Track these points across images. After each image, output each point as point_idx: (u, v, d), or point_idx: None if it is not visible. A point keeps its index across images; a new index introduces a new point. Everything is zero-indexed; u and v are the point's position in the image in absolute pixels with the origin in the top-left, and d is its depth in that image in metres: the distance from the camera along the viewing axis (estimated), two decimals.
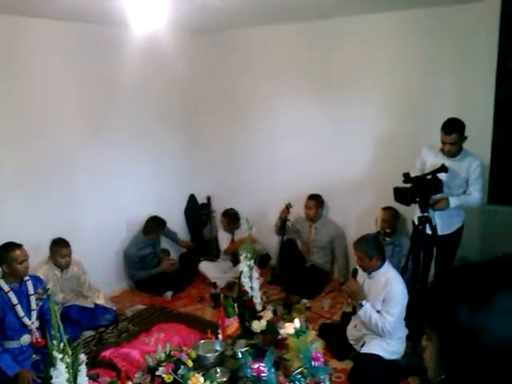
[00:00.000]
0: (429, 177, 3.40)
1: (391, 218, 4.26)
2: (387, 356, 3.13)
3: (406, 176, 3.39)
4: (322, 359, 2.86)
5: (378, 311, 3.16)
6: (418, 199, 3.40)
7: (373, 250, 3.19)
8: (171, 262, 5.07)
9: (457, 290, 0.92)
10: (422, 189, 3.36)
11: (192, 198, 5.77)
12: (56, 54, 4.21)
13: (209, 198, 5.86)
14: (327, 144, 4.81)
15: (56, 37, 4.19)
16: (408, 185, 3.40)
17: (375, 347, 3.14)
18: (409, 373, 3.15)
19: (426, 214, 3.45)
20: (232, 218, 5.19)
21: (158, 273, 4.92)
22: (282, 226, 4.73)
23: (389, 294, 3.14)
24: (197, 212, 5.78)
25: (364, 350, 3.19)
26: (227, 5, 3.63)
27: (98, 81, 4.55)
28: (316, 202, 4.78)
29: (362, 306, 3.17)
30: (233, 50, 5.30)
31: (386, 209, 4.24)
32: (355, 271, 3.32)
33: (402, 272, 3.55)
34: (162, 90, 5.15)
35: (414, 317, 3.34)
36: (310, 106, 4.85)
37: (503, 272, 0.91)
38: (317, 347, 2.96)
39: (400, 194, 3.43)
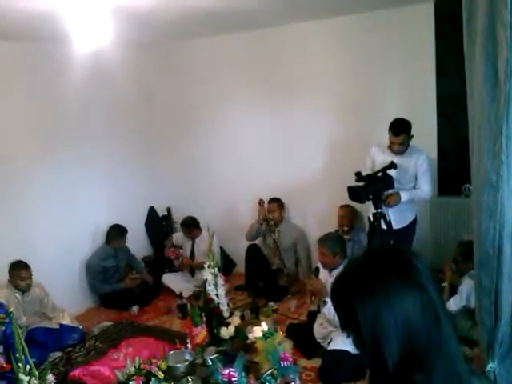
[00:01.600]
0: (379, 174, 3.54)
1: (349, 215, 4.39)
2: (354, 351, 3.21)
3: (358, 175, 3.52)
4: (290, 359, 2.92)
5: None
6: (371, 196, 3.53)
7: (337, 247, 3.30)
8: (134, 278, 5.03)
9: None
10: (374, 186, 3.49)
11: (152, 210, 5.75)
12: (1, 73, 4.15)
13: (169, 210, 5.85)
14: (282, 149, 4.92)
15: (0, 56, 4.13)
16: (361, 183, 3.53)
17: (342, 343, 3.22)
18: None
19: (379, 211, 3.58)
20: (188, 225, 5.19)
21: (121, 289, 4.89)
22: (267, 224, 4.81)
23: None
24: (157, 224, 5.77)
25: (331, 346, 3.27)
26: (172, 16, 3.67)
27: (46, 97, 4.50)
28: (278, 204, 4.86)
29: (325, 303, 3.25)
30: (180, 62, 5.36)
31: (344, 206, 4.37)
32: (317, 270, 3.42)
33: None
34: (113, 104, 5.12)
35: None
36: (262, 112, 4.95)
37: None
38: (285, 348, 3.01)
39: (354, 193, 3.55)
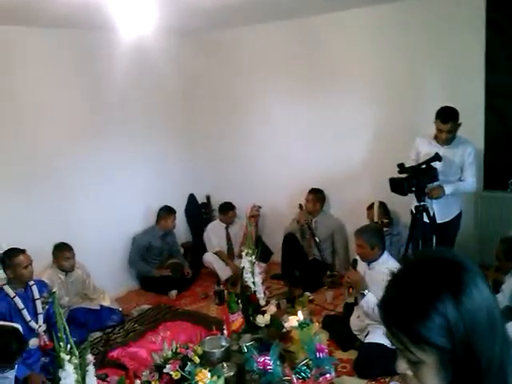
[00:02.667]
0: (423, 166, 3.44)
1: (385, 209, 4.31)
2: (391, 344, 3.16)
3: (401, 166, 3.43)
4: (326, 350, 2.91)
5: None
6: (414, 189, 3.44)
7: (375, 239, 3.24)
8: (174, 263, 5.13)
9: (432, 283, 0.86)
10: (417, 178, 3.39)
11: (192, 198, 5.81)
12: (44, 61, 4.25)
13: (208, 197, 5.89)
14: (321, 139, 4.86)
15: (44, 44, 4.23)
16: (403, 175, 3.44)
17: (379, 337, 3.17)
18: None
19: (422, 203, 3.48)
20: (225, 208, 5.24)
21: (154, 275, 5.00)
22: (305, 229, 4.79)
23: None
24: (197, 211, 5.83)
25: (368, 339, 3.23)
26: (215, 4, 3.66)
27: (89, 84, 4.59)
28: (316, 196, 4.82)
29: (363, 295, 3.21)
30: (224, 50, 5.34)
31: (378, 202, 4.28)
32: (355, 262, 3.37)
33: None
34: (156, 92, 5.19)
35: None
36: (302, 102, 4.90)
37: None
38: (321, 339, 3.01)
39: (396, 185, 3.47)
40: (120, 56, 4.52)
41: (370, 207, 4.32)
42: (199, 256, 5.41)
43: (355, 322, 3.47)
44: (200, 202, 5.87)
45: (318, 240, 4.73)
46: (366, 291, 3.20)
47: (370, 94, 4.45)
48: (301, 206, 4.81)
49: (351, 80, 4.55)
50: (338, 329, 3.55)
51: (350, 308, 3.69)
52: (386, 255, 3.29)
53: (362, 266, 3.37)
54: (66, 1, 3.13)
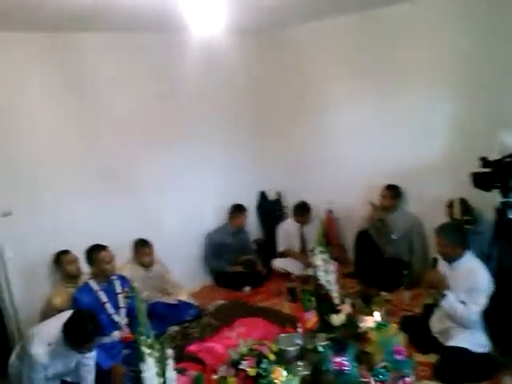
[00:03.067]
0: (509, 159, 3.21)
1: (467, 205, 4.08)
2: (475, 349, 3.01)
3: (484, 160, 3.23)
4: (405, 353, 2.82)
5: (462, 302, 3.04)
6: (498, 184, 3.23)
7: (457, 237, 3.09)
8: (246, 260, 5.18)
9: None
10: (502, 173, 3.18)
11: (262, 195, 5.83)
12: (116, 66, 4.42)
13: (279, 194, 5.89)
14: (395, 133, 4.69)
15: (115, 49, 4.40)
16: (487, 169, 3.24)
17: (462, 340, 3.03)
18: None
19: (507, 200, 3.26)
20: (301, 209, 5.18)
21: (228, 271, 5.07)
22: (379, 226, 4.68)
23: (473, 284, 3.01)
24: (269, 208, 5.84)
25: (450, 343, 3.08)
26: (280, 1, 3.62)
27: (162, 88, 4.72)
28: (392, 192, 4.66)
29: (445, 296, 3.06)
30: (292, 47, 5.31)
31: (459, 199, 4.06)
32: (435, 260, 3.22)
33: (487, 260, 3.39)
34: (225, 91, 5.24)
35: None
36: (379, 97, 4.75)
37: None
38: (399, 340, 2.91)
39: (479, 180, 3.28)
40: (189, 57, 4.61)
41: (450, 205, 4.10)
42: (271, 252, 5.43)
43: (436, 325, 3.32)
44: (271, 199, 5.88)
45: (394, 237, 4.58)
46: (448, 292, 3.06)
47: (450, 85, 4.22)
48: (372, 203, 4.67)
49: (427, 73, 4.34)
50: (417, 331, 3.41)
51: (429, 309, 3.54)
52: (468, 254, 3.11)
53: (442, 265, 3.22)
54: (138, 4, 3.23)
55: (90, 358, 3.10)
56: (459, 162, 4.06)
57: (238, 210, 5.19)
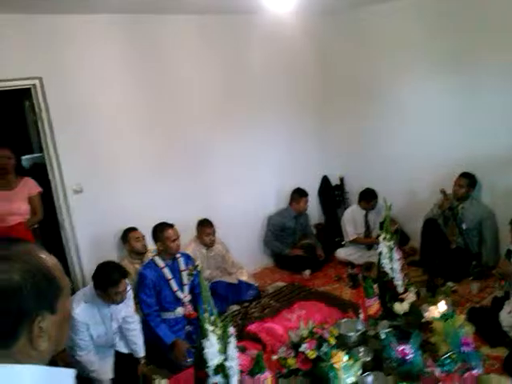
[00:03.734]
0: None
1: None
2: None
3: None
4: (473, 345, 2.71)
5: None
6: None
7: None
8: (306, 244, 5.17)
9: None
10: None
11: (325, 180, 5.77)
12: (188, 48, 4.47)
13: (342, 179, 5.80)
14: (466, 120, 4.48)
15: (188, 31, 4.45)
16: None
17: None
18: None
19: None
20: (367, 196, 5.07)
21: (287, 254, 5.07)
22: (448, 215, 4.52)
23: None
24: (330, 193, 5.77)
25: None
26: None
27: (229, 71, 4.75)
28: (468, 181, 4.44)
29: None
30: (361, 30, 5.17)
31: None
32: (509, 252, 3.06)
33: None
34: (292, 73, 5.22)
35: None
36: (443, 81, 4.55)
37: None
38: (467, 332, 2.80)
39: None
40: (259, 38, 4.61)
41: None
42: (332, 237, 5.38)
43: (506, 318, 3.17)
44: (333, 184, 5.80)
45: (464, 227, 4.39)
46: None
47: None
48: (444, 192, 4.49)
49: (502, 54, 4.07)
50: (486, 323, 3.27)
51: (499, 302, 3.39)
52: None
53: None
54: None
55: (133, 322, 3.26)
56: None
57: (299, 194, 5.17)
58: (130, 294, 3.33)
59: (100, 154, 4.07)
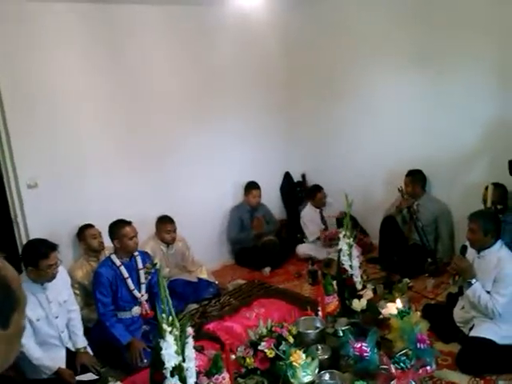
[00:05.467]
0: None
1: (502, 194, 3.93)
2: (499, 340, 2.94)
3: None
4: (428, 341, 2.75)
5: (488, 292, 2.97)
6: None
7: (490, 225, 2.99)
8: (259, 222, 5.12)
9: None
10: None
11: (287, 176, 5.78)
12: (154, 40, 4.38)
13: (304, 176, 5.83)
14: (426, 119, 4.54)
15: (154, 21, 4.36)
16: None
17: (486, 331, 2.96)
18: None
19: None
20: (311, 192, 5.16)
21: (252, 235, 5.05)
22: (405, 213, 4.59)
23: (500, 274, 2.94)
24: (292, 189, 5.79)
25: (473, 333, 3.01)
26: None
27: (196, 62, 4.69)
28: (414, 178, 4.54)
29: (470, 284, 2.99)
30: (325, 24, 5.17)
31: (496, 185, 3.92)
32: (464, 248, 3.13)
33: None
34: (258, 68, 5.21)
35: None
36: (411, 77, 4.60)
37: None
38: (422, 329, 2.85)
39: None
40: (226, 31, 4.57)
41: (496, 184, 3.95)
42: (293, 233, 5.41)
43: (459, 314, 3.25)
44: (296, 181, 5.82)
45: (420, 225, 4.48)
46: (474, 280, 2.99)
47: (493, 69, 4.02)
48: (401, 190, 4.56)
49: (469, 53, 4.13)
50: (440, 319, 3.34)
51: (453, 298, 3.48)
52: (499, 244, 3.02)
53: (471, 253, 3.13)
54: None
55: (73, 311, 3.24)
56: (497, 148, 3.91)
57: (249, 186, 5.16)
58: (68, 279, 3.29)
59: (57, 147, 3.94)
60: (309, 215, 5.20)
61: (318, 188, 5.20)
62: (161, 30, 4.42)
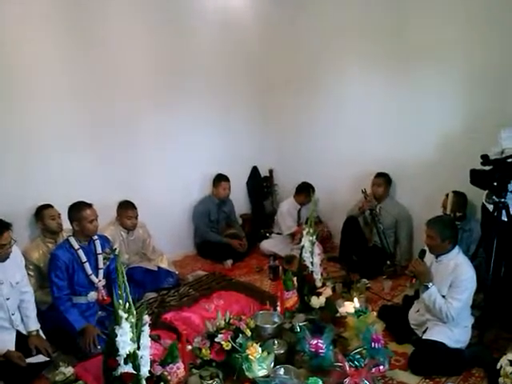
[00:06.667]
0: (510, 160, 3.17)
1: (461, 202, 4.04)
2: (451, 344, 3.01)
3: (485, 158, 3.18)
4: (382, 341, 2.81)
5: (444, 296, 3.04)
6: (495, 183, 3.19)
7: (448, 231, 3.06)
8: (241, 243, 5.06)
9: None
10: (501, 173, 3.14)
11: (255, 170, 5.78)
12: (124, 21, 4.29)
13: (271, 171, 5.84)
14: (396, 119, 4.61)
15: (124, 4, 4.27)
16: (486, 167, 3.20)
17: (439, 334, 3.03)
18: (473, 363, 3.02)
19: (502, 200, 3.24)
20: (302, 189, 5.07)
21: (222, 242, 5.01)
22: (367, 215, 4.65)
23: (457, 279, 3.01)
24: (259, 184, 5.79)
25: (427, 335, 3.08)
26: None
27: (166, 45, 4.61)
28: (384, 180, 4.62)
29: (427, 288, 3.06)
30: (305, 19, 5.16)
31: (457, 193, 4.02)
32: (423, 252, 3.19)
33: (472, 258, 3.38)
34: (232, 60, 5.18)
35: (482, 306, 3.22)
36: (379, 79, 4.65)
37: None
38: (377, 329, 2.90)
39: (477, 177, 3.23)
40: (198, 15, 4.50)
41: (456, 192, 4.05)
42: (257, 228, 5.41)
43: (414, 316, 3.32)
44: (262, 176, 5.82)
45: (381, 227, 4.55)
46: (431, 284, 3.06)
47: (457, 76, 4.09)
48: (364, 192, 4.62)
49: (438, 58, 4.18)
50: (395, 320, 3.40)
51: (409, 300, 3.55)
52: (456, 250, 3.10)
53: (429, 257, 3.20)
54: None
55: (26, 293, 3.17)
56: (459, 157, 4.01)
57: (218, 178, 5.11)
58: (22, 260, 3.21)
59: (13, 121, 3.76)
60: (287, 208, 5.15)
61: (309, 186, 5.00)
62: (132, 13, 4.33)
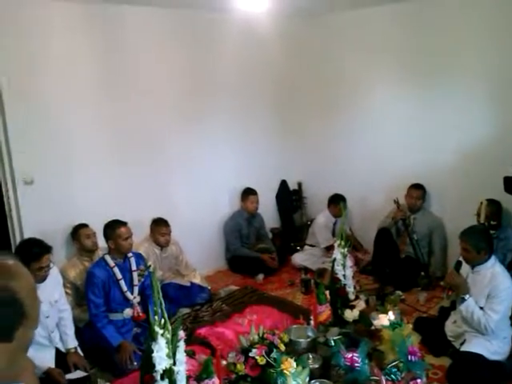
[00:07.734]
0: None
1: (496, 210, 3.96)
2: (490, 356, 2.94)
3: None
4: (419, 354, 2.76)
5: (481, 308, 2.98)
6: None
7: (482, 242, 3.00)
8: (273, 257, 5.06)
9: None
10: None
11: (283, 184, 5.78)
12: (152, 40, 4.39)
13: (300, 184, 5.84)
14: (426, 130, 4.59)
15: (153, 24, 4.36)
16: None
17: (477, 346, 2.96)
18: None
19: None
20: (334, 200, 5.03)
21: (255, 257, 5.01)
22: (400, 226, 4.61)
23: (494, 290, 2.94)
24: (288, 198, 5.79)
25: (464, 347, 3.02)
26: None
27: (193, 66, 4.69)
28: (418, 192, 4.57)
29: (464, 300, 2.99)
30: (329, 35, 5.22)
31: (491, 201, 3.94)
32: (459, 264, 3.13)
33: (509, 267, 3.30)
34: (257, 74, 5.20)
35: None
36: (404, 95, 4.69)
37: None
38: (413, 341, 2.85)
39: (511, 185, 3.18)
40: (226, 37, 4.58)
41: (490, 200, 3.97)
42: (287, 242, 5.40)
43: (451, 328, 3.25)
44: (291, 189, 5.83)
45: (415, 238, 4.49)
46: (468, 296, 2.99)
47: (483, 89, 4.08)
48: (397, 202, 4.58)
49: (462, 73, 4.22)
50: (431, 333, 3.34)
51: (445, 312, 3.48)
52: (492, 260, 3.03)
53: (465, 268, 3.14)
54: None
55: (64, 311, 3.22)
56: (492, 164, 3.95)
57: (246, 192, 5.14)
58: (60, 279, 3.28)
59: (54, 143, 3.91)
60: (324, 221, 5.12)
61: (340, 198, 5.01)
62: (160, 32, 4.42)
